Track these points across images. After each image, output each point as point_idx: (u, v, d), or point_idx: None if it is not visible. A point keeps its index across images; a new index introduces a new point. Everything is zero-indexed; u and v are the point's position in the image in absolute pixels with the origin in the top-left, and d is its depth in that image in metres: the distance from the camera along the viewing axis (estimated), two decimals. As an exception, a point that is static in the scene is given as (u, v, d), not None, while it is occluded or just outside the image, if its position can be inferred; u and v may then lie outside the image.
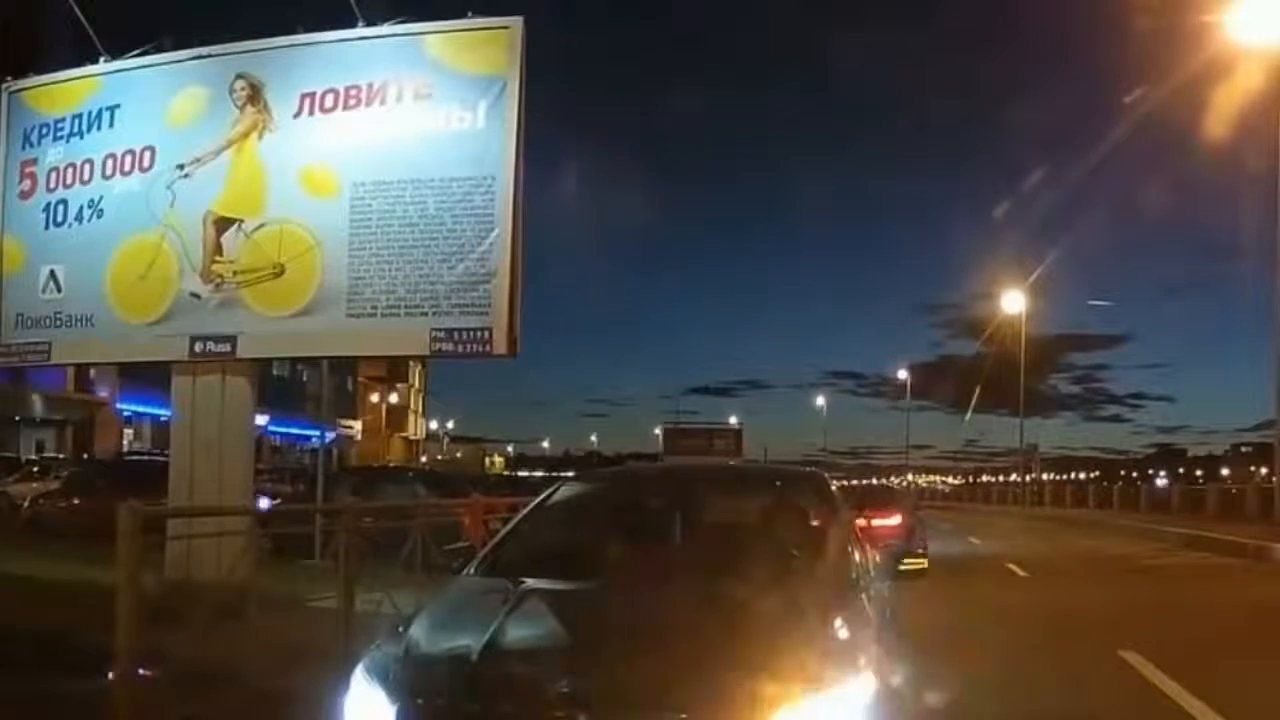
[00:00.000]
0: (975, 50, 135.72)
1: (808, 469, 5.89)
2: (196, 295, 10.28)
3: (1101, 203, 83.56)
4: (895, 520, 15.01)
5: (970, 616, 9.12)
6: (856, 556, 4.08)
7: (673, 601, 3.55)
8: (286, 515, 11.27)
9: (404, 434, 70.97)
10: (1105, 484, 48.85)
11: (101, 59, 10.92)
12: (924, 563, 12.69)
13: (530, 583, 3.75)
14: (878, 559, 4.60)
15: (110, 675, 4.83)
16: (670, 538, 4.35)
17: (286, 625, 6.80)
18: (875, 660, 3.06)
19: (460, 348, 9.57)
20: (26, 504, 18.52)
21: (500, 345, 9.41)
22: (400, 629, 3.44)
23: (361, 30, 10.04)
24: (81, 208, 10.76)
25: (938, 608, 8.88)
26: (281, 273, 10.05)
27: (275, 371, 24.57)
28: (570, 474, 6.91)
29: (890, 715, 2.94)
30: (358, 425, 60.15)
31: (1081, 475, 76.41)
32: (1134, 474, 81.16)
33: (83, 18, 10.95)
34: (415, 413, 74.62)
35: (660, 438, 42.07)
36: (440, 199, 9.63)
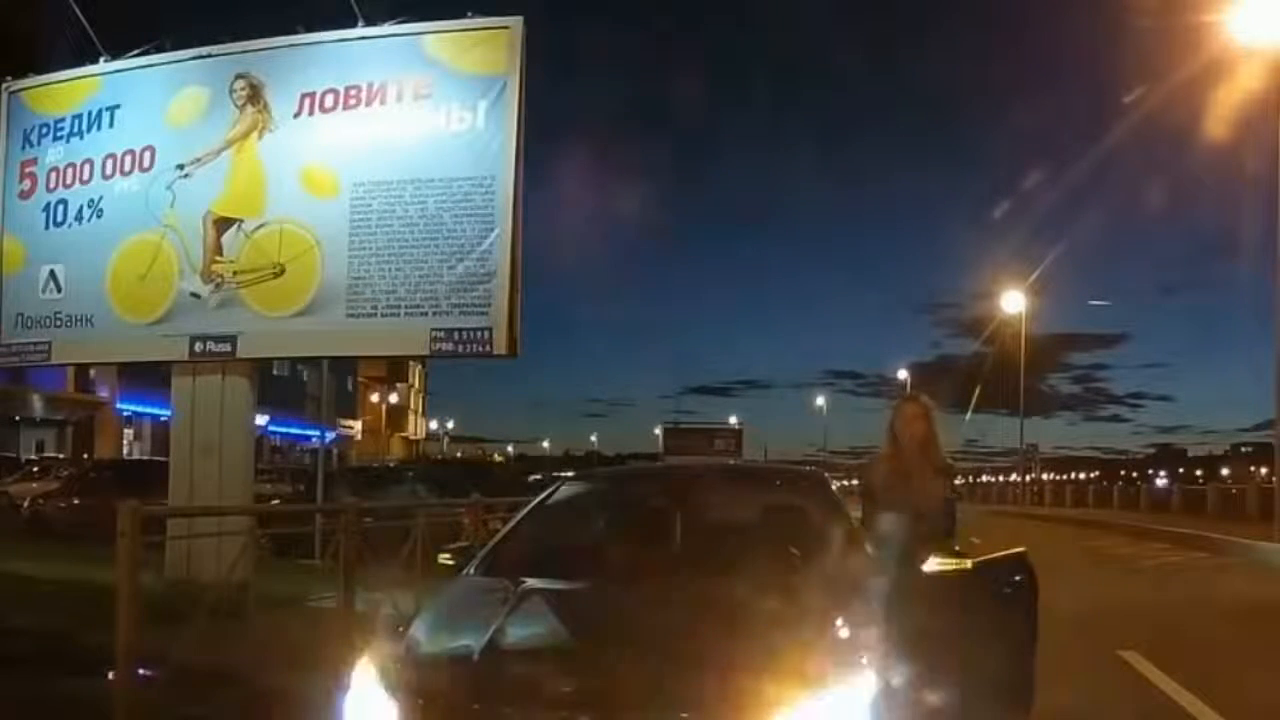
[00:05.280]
0: (975, 49, 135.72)
1: (808, 469, 5.89)
2: (196, 295, 10.26)
3: (1101, 202, 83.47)
4: None
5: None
6: (856, 555, 4.08)
7: (673, 601, 3.55)
8: (286, 515, 11.27)
9: (404, 434, 71.00)
10: (1105, 484, 48.82)
11: (101, 59, 10.89)
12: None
13: (530, 582, 3.75)
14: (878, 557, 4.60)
15: (110, 675, 4.84)
16: (670, 537, 4.35)
17: (286, 625, 6.80)
18: (876, 659, 3.06)
19: (460, 348, 9.55)
20: (26, 504, 18.52)
21: (500, 345, 9.40)
22: (400, 629, 3.45)
23: (361, 30, 10.01)
24: (81, 207, 10.74)
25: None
26: (281, 273, 10.04)
27: (275, 371, 24.54)
28: (569, 474, 6.91)
29: (891, 714, 2.94)
30: (358, 425, 60.19)
31: (1081, 475, 76.32)
32: (1134, 474, 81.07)
33: (83, 18, 10.94)
34: (415, 413, 74.68)
35: (660, 438, 42.06)
36: (440, 199, 9.61)
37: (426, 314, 9.59)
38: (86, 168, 10.74)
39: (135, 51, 10.73)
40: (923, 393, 5.12)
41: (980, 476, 68.94)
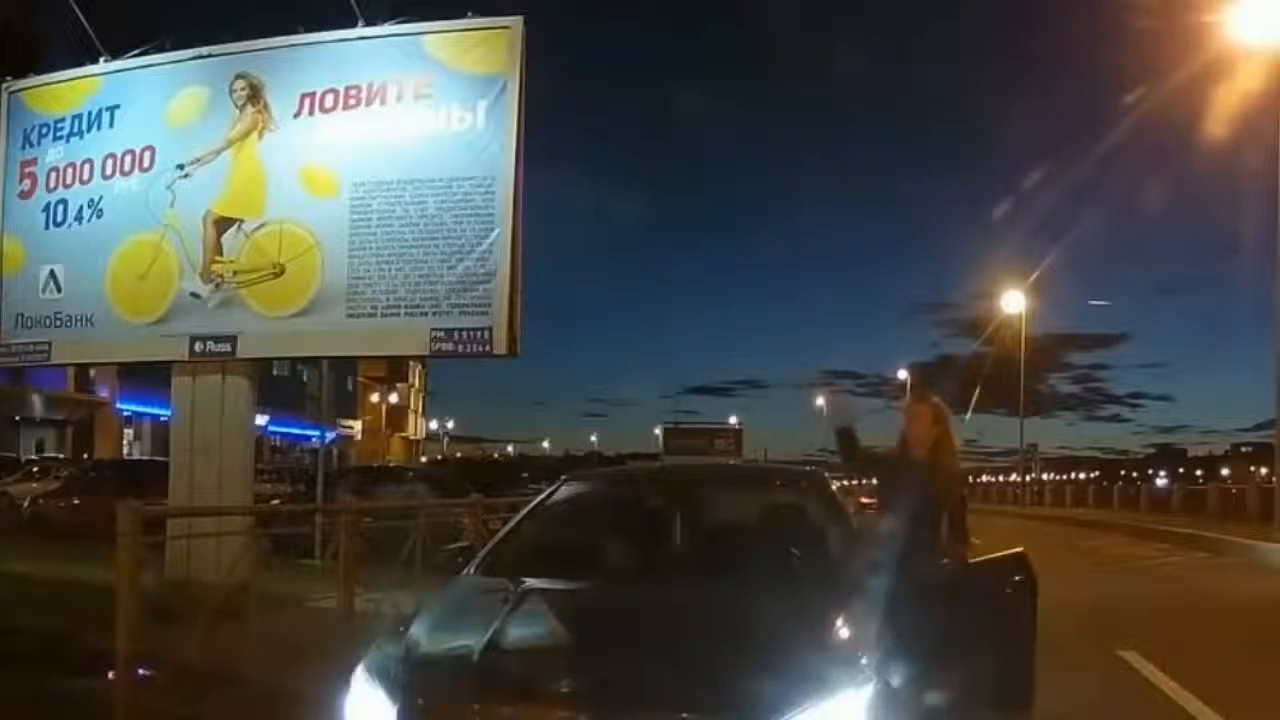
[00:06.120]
0: (975, 50, 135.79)
1: (808, 469, 5.89)
2: (196, 295, 10.28)
3: (1101, 202, 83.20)
4: None
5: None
6: (856, 555, 4.08)
7: (673, 602, 3.55)
8: (286, 515, 11.26)
9: (404, 434, 70.94)
10: (1105, 484, 48.77)
11: (101, 59, 10.91)
12: None
13: (530, 582, 3.75)
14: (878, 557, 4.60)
15: (110, 675, 4.84)
16: (670, 538, 4.35)
17: (286, 625, 6.79)
18: (876, 659, 3.06)
19: (460, 348, 9.57)
20: (27, 504, 18.51)
21: (500, 345, 9.41)
22: (400, 629, 3.45)
23: (361, 30, 10.03)
24: (81, 207, 10.76)
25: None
26: (281, 273, 10.05)
27: (275, 371, 24.50)
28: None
29: (891, 715, 2.94)
30: (358, 425, 60.12)
31: (1081, 475, 76.26)
32: (1134, 474, 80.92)
33: (83, 18, 10.95)
34: (415, 413, 74.58)
35: (660, 438, 41.99)
36: (440, 199, 9.63)
37: (426, 314, 9.60)
38: (86, 168, 10.76)
39: (135, 51, 10.75)
40: (933, 392, 5.07)
41: (980, 476, 68.94)
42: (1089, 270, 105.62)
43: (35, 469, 23.47)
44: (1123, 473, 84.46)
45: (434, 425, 77.85)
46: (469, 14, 9.86)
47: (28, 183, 11.04)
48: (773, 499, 4.73)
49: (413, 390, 72.67)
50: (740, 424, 46.29)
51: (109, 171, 10.67)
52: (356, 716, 3.07)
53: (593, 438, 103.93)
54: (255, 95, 10.17)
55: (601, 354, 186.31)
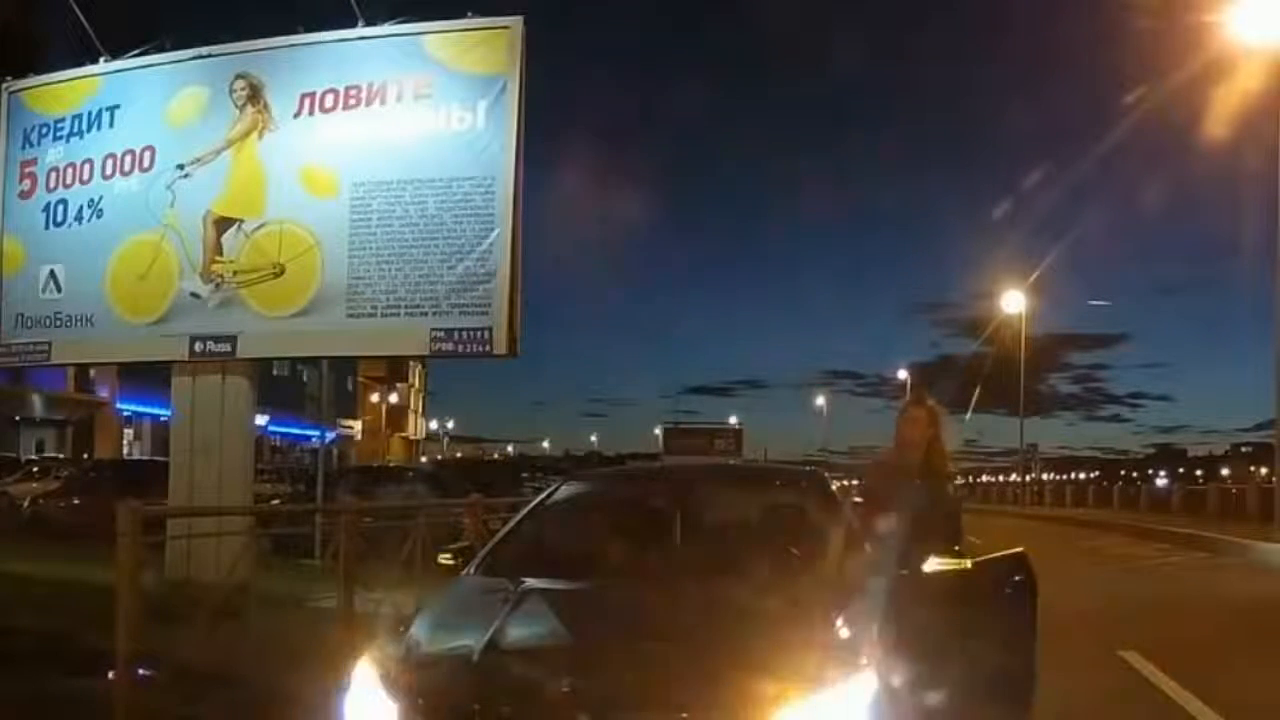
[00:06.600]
0: (975, 50, 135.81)
1: (808, 468, 5.89)
2: (196, 295, 10.27)
3: (1101, 202, 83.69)
4: None
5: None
6: (856, 555, 4.07)
7: (673, 601, 3.55)
8: (286, 515, 11.27)
9: (404, 434, 70.98)
10: (1105, 484, 48.78)
11: (101, 59, 10.91)
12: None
13: (530, 582, 3.75)
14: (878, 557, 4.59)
15: (110, 675, 4.84)
16: (670, 537, 4.35)
17: (286, 625, 6.80)
18: (876, 659, 3.06)
19: (460, 348, 9.57)
20: (27, 504, 18.52)
21: (500, 345, 9.41)
22: (401, 629, 3.45)
23: (361, 30, 10.03)
24: (81, 207, 10.75)
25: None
26: (281, 273, 10.05)
27: (275, 371, 24.50)
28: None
29: (891, 714, 2.94)
30: (358, 425, 60.15)
31: (1081, 475, 76.25)
32: (1134, 474, 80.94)
33: (83, 18, 10.95)
34: (415, 413, 74.64)
35: (660, 438, 41.98)
36: (440, 199, 9.63)
37: (426, 314, 9.60)
38: (86, 168, 10.75)
39: (135, 51, 10.74)
40: (930, 395, 5.10)
41: (980, 476, 68.92)
42: (1089, 270, 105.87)
43: (35, 469, 23.48)
44: (1123, 473, 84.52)
45: (434, 425, 77.98)
46: (469, 14, 9.85)
47: (28, 183, 11.04)
48: (773, 499, 4.73)
49: (413, 390, 72.72)
50: (740, 424, 46.30)
51: (109, 171, 10.66)
52: (356, 716, 3.07)
53: (593, 438, 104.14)
54: (255, 95, 10.17)
55: (602, 354, 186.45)
